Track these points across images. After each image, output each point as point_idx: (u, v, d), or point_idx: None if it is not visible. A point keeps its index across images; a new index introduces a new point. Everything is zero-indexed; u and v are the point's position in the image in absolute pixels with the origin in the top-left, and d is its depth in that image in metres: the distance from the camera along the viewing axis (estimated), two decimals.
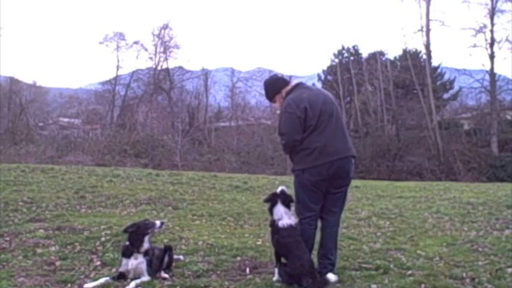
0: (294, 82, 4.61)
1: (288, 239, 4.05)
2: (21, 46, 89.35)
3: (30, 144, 28.55)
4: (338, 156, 4.22)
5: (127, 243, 4.25)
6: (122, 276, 4.10)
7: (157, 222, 4.38)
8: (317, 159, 4.17)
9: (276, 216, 4.19)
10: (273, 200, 4.28)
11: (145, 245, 4.19)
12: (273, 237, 4.22)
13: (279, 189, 4.34)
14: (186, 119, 36.66)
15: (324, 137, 4.19)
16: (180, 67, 41.77)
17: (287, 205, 4.24)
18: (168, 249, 4.50)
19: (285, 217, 4.15)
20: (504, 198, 9.79)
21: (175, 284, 4.09)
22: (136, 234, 4.20)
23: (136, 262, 4.13)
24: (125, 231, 4.30)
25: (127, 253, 4.17)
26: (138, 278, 4.08)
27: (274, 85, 4.53)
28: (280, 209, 4.20)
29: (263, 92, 4.77)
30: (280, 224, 4.12)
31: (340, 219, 4.58)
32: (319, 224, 4.45)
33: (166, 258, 4.41)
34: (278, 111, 4.64)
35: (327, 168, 4.19)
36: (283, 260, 4.17)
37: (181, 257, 4.90)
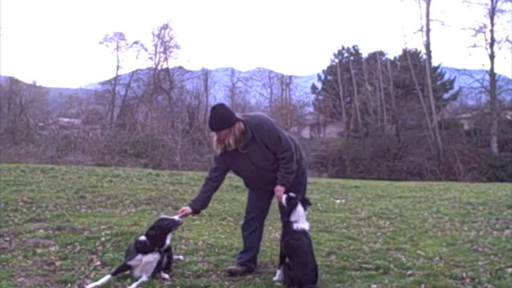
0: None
1: (298, 242, 4.05)
2: (21, 46, 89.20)
3: (30, 144, 28.53)
4: None
5: (142, 238, 4.21)
6: (127, 268, 4.11)
7: (179, 220, 4.33)
8: (302, 151, 4.68)
9: (293, 218, 4.14)
10: (294, 202, 4.20)
11: (167, 242, 4.24)
12: (283, 238, 4.20)
13: (292, 193, 4.29)
14: (186, 119, 36.64)
15: None
16: (180, 67, 41.77)
17: (305, 208, 4.24)
18: (167, 249, 4.49)
19: (301, 220, 4.15)
20: (504, 198, 9.79)
21: (175, 284, 4.09)
22: (159, 234, 4.20)
23: (153, 258, 4.14)
24: (147, 235, 4.21)
25: (144, 250, 4.15)
26: (140, 276, 4.10)
27: (228, 119, 4.14)
28: (300, 211, 4.16)
29: (214, 120, 4.19)
30: (295, 226, 4.10)
31: None
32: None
33: (165, 259, 4.40)
34: (215, 145, 4.28)
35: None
36: (287, 260, 4.16)
37: (181, 257, 4.89)
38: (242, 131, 4.16)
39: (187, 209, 4.42)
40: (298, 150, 4.42)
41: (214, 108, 4.26)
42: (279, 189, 4.31)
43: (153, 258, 4.15)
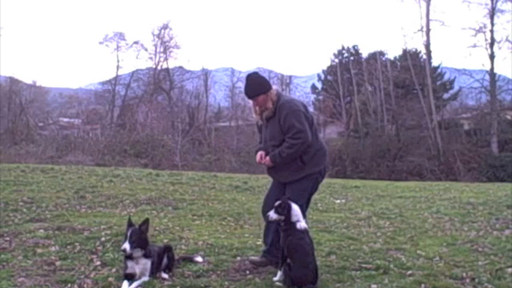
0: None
1: (301, 241, 4.06)
2: (21, 46, 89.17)
3: (30, 144, 28.58)
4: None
5: (124, 247, 4.13)
6: (132, 277, 4.08)
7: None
8: (325, 159, 4.51)
9: (294, 218, 4.14)
10: (286, 204, 4.19)
11: (138, 254, 4.10)
12: (286, 239, 4.18)
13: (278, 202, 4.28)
14: (186, 119, 36.65)
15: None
16: (180, 67, 41.78)
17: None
18: (167, 250, 4.48)
19: (302, 219, 4.17)
20: (504, 198, 9.79)
21: (175, 284, 4.09)
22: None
23: (143, 263, 4.11)
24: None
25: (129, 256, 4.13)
26: (140, 278, 4.09)
27: (264, 84, 4.42)
28: (296, 210, 4.17)
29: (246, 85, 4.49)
30: (298, 225, 4.11)
31: None
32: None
33: (165, 259, 4.39)
34: (257, 112, 4.50)
35: (326, 168, 4.58)
36: (288, 260, 4.15)
37: (199, 258, 4.83)
38: (275, 99, 4.34)
39: (262, 153, 4.50)
40: (318, 155, 4.39)
41: (249, 75, 4.48)
42: (266, 159, 4.41)
43: (142, 264, 4.10)
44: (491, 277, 4.38)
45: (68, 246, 5.19)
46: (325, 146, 4.57)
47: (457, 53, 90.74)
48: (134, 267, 4.09)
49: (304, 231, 4.12)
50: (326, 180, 16.46)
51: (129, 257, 4.11)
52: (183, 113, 37.35)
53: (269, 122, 4.41)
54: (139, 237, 4.06)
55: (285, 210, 4.16)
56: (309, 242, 4.11)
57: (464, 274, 4.46)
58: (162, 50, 40.44)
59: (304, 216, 4.37)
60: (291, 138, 4.27)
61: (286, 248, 4.16)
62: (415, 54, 34.81)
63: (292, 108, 4.30)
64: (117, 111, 39.40)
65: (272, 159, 4.39)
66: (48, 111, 40.12)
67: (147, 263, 4.12)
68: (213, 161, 29.03)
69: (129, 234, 4.01)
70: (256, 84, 4.40)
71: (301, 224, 4.13)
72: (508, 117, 31.72)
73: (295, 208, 4.17)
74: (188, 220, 7.26)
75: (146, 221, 4.20)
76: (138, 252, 4.06)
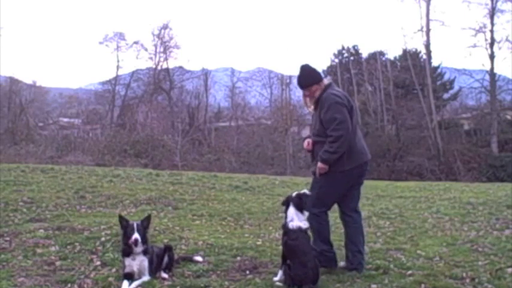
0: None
1: (295, 241, 4.05)
2: (21, 46, 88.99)
3: (30, 144, 28.55)
4: (368, 157, 4.58)
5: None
6: (131, 276, 4.08)
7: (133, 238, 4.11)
8: (359, 159, 4.44)
9: (288, 218, 4.21)
10: (286, 202, 4.29)
11: (139, 249, 4.13)
12: (282, 238, 4.24)
13: (294, 193, 4.36)
14: (186, 119, 36.64)
15: (359, 137, 4.48)
16: (180, 67, 41.70)
17: (299, 208, 4.23)
18: (168, 249, 4.50)
19: (296, 219, 4.16)
20: (504, 198, 9.78)
21: (175, 284, 4.09)
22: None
23: (140, 261, 4.12)
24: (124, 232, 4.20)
25: (125, 252, 4.16)
26: (140, 277, 4.09)
27: (317, 75, 4.54)
28: (291, 211, 4.21)
29: (300, 74, 4.60)
30: (290, 225, 4.14)
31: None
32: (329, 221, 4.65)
33: (166, 259, 4.41)
34: (308, 103, 4.64)
35: (363, 167, 4.51)
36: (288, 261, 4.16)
37: (199, 258, 4.85)
38: (323, 89, 4.41)
39: (310, 140, 4.58)
40: (354, 153, 4.36)
41: (302, 66, 4.57)
42: (320, 166, 4.38)
43: (139, 260, 4.11)
44: (491, 277, 4.38)
45: (68, 246, 5.20)
46: (358, 146, 4.41)
47: (457, 53, 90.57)
48: (132, 264, 4.09)
49: (298, 231, 4.10)
50: None
51: (127, 254, 4.12)
52: (183, 113, 37.33)
53: (315, 112, 4.50)
54: (143, 232, 4.13)
55: (284, 207, 4.28)
56: (305, 242, 4.09)
57: (464, 274, 4.46)
58: (162, 50, 40.40)
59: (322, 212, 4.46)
60: (333, 130, 4.24)
61: (284, 249, 4.17)
62: (415, 54, 34.79)
63: (333, 101, 4.31)
64: (117, 111, 39.36)
65: (323, 160, 4.30)
66: (48, 111, 40.09)
67: (144, 260, 4.12)
68: (213, 161, 29.03)
69: (135, 227, 4.09)
70: (310, 74, 4.54)
71: (293, 224, 4.12)
72: (508, 117, 31.72)
73: (291, 210, 4.21)
74: (188, 220, 7.26)
75: (148, 218, 4.30)
76: (140, 247, 4.10)
